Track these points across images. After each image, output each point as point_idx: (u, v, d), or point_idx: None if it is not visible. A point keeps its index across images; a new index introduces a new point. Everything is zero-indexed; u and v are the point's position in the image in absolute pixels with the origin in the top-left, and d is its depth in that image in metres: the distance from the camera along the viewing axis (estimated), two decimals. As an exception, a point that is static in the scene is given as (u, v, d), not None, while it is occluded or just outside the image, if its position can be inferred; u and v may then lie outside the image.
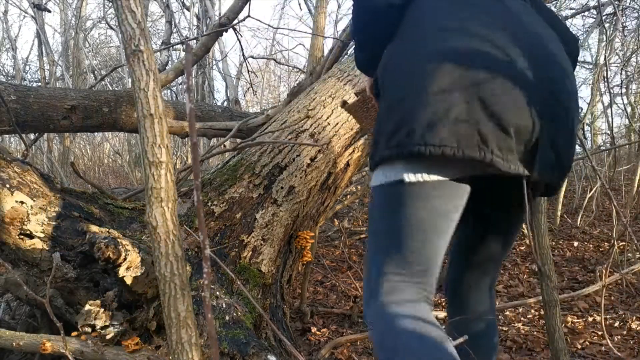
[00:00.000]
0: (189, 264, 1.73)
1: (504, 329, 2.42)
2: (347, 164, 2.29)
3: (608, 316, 2.48)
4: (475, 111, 0.87)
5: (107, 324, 1.42)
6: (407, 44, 1.00)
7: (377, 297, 0.96)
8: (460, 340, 0.99)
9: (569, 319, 2.50)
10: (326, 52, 2.90)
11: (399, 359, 0.86)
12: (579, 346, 2.20)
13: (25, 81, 8.54)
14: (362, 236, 4.17)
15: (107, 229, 1.61)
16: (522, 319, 2.56)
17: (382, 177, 0.98)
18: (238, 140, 2.81)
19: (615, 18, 4.30)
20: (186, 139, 4.52)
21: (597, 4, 4.20)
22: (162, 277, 0.94)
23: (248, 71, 4.89)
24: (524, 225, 1.23)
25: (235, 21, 3.09)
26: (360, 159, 2.40)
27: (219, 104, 8.16)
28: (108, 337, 1.41)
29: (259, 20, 2.93)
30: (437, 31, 0.95)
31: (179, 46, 6.16)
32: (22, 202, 1.50)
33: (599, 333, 2.29)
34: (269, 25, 4.53)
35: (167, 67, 4.01)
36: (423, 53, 0.94)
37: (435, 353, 0.86)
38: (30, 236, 1.52)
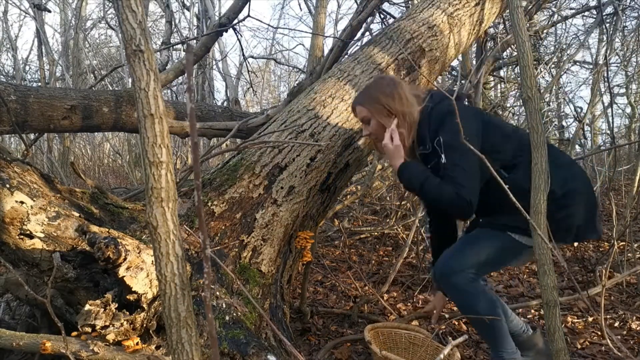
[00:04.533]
0: (189, 264, 1.73)
1: (504, 329, 2.42)
2: (347, 164, 2.28)
3: (608, 316, 2.47)
4: None
5: (107, 324, 1.42)
6: None
7: None
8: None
9: (569, 319, 2.50)
10: (326, 52, 2.90)
11: None
12: (579, 346, 2.20)
13: (25, 81, 8.54)
14: (362, 236, 4.16)
15: (107, 229, 1.61)
16: (522, 319, 2.55)
17: None
18: (238, 140, 2.81)
19: (615, 18, 4.30)
20: (186, 139, 4.52)
21: (597, 4, 4.21)
22: (162, 277, 0.94)
23: (248, 71, 4.88)
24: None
25: (235, 21, 3.09)
26: (360, 159, 2.40)
27: (219, 104, 8.17)
28: (108, 337, 1.41)
29: (259, 20, 2.94)
30: None
31: (179, 46, 6.16)
32: (22, 202, 1.50)
33: (599, 333, 2.29)
34: (269, 25, 4.54)
35: (167, 67, 4.00)
36: None
37: None
38: (30, 236, 1.52)
